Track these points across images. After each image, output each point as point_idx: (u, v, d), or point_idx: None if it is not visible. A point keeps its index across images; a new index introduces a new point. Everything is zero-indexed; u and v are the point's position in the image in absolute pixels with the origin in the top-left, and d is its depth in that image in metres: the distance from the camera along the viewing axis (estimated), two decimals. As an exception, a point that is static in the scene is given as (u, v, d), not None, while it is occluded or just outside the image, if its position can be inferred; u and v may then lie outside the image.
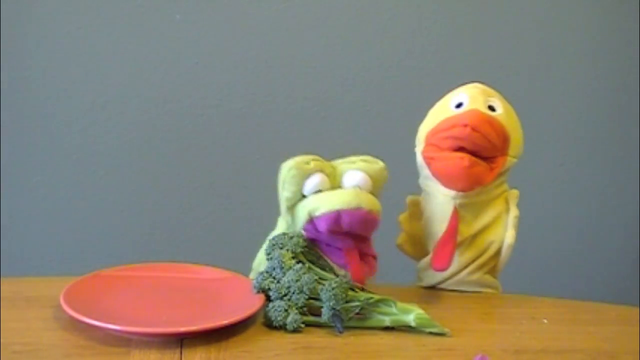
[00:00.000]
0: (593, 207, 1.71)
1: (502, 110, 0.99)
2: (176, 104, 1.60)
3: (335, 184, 0.96)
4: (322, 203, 0.94)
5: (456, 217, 0.99)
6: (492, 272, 1.03)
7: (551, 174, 1.70)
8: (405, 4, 1.61)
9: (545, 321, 0.94)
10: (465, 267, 1.01)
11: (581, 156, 1.69)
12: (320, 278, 0.90)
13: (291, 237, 0.94)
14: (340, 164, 0.98)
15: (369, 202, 0.94)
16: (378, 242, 1.10)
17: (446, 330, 0.89)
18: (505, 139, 0.98)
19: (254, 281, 0.92)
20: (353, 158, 0.99)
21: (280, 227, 1.00)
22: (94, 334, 0.83)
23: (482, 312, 0.97)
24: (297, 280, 0.89)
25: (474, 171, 0.95)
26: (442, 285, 1.02)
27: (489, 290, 1.03)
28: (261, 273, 0.92)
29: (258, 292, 0.91)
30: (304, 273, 0.89)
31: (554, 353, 0.86)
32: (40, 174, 1.61)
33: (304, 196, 0.96)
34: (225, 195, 1.66)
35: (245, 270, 1.02)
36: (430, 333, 0.89)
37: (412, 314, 0.89)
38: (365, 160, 0.98)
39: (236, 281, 0.97)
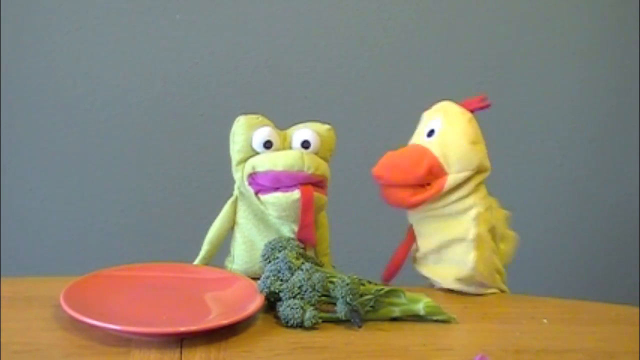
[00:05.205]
0: (593, 207, 1.71)
1: (439, 132, 1.00)
2: (176, 103, 1.60)
3: (285, 147, 1.00)
4: (265, 160, 0.97)
5: (411, 233, 1.04)
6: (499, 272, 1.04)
7: (550, 174, 1.70)
8: (404, 4, 1.61)
9: (545, 321, 0.94)
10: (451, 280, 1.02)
11: (581, 156, 1.69)
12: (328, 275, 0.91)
13: (287, 240, 0.95)
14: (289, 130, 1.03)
15: (314, 164, 0.97)
16: (380, 244, 1.09)
17: (453, 317, 0.91)
18: (429, 166, 0.98)
19: (261, 284, 0.91)
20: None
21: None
22: (94, 334, 0.83)
23: (482, 312, 0.97)
24: (308, 279, 0.89)
25: (388, 192, 1.01)
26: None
27: (493, 290, 1.04)
28: (266, 277, 0.91)
29: (267, 294, 0.91)
30: (315, 272, 0.90)
31: (554, 353, 0.86)
32: (40, 174, 1.61)
33: (254, 153, 0.99)
34: (225, 196, 1.66)
35: (245, 270, 1.02)
36: (437, 321, 0.91)
37: (421, 303, 0.91)
38: (313, 124, 1.03)
39: (236, 281, 0.97)
